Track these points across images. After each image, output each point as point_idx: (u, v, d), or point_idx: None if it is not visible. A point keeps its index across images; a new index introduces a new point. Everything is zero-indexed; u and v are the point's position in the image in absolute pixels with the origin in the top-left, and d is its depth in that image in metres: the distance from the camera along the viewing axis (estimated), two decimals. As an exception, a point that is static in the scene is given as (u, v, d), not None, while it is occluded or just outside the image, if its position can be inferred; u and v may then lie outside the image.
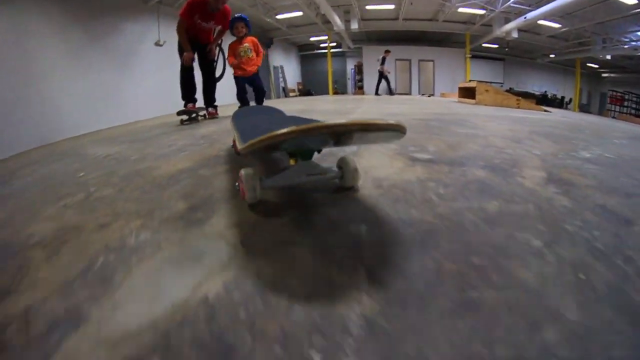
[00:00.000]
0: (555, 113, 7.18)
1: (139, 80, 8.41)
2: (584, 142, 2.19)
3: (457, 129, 2.63)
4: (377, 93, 14.28)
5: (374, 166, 1.62)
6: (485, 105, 7.34)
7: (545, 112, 7.24)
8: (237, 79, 4.81)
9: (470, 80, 13.22)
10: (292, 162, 1.33)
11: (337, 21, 13.36)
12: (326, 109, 5.81)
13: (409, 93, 18.32)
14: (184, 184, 1.61)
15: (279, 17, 14.28)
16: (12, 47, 5.55)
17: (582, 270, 0.86)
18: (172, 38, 8.48)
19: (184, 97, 4.90)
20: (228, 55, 4.83)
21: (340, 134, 0.91)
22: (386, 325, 0.69)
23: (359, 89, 19.43)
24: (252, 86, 4.90)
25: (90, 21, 7.20)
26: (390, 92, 14.34)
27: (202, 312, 0.77)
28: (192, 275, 0.90)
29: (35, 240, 1.22)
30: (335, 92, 19.68)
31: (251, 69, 4.73)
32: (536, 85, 21.68)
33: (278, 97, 17.35)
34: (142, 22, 8.77)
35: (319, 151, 1.44)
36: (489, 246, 0.95)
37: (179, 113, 4.67)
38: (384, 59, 13.84)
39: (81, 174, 2.08)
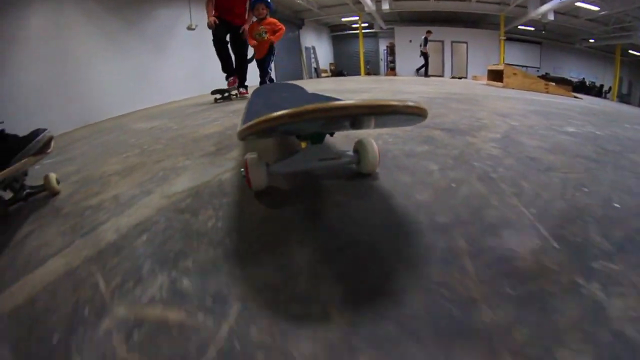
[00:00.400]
0: (586, 100, 7.11)
1: (172, 63, 8.88)
2: (581, 122, 2.27)
3: (456, 105, 2.82)
4: (427, 74, 14.06)
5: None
6: (513, 88, 7.36)
7: (575, 99, 7.20)
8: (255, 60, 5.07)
9: (502, 64, 12.93)
10: (302, 145, 1.28)
11: (368, 2, 13.34)
12: (350, 88, 6.04)
13: (442, 75, 18.13)
14: (214, 140, 2.20)
15: None
16: (53, 37, 6.16)
17: (457, 183, 1.15)
18: (203, 22, 8.96)
19: (223, 70, 5.20)
20: (248, 37, 4.97)
21: (342, 118, 0.80)
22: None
23: (391, 69, 19.34)
24: (259, 68, 5.09)
25: (125, 9, 7.69)
26: (426, 74, 14.24)
27: (216, 184, 1.40)
28: (214, 172, 1.54)
29: (110, 173, 1.81)
30: (368, 73, 19.65)
31: (260, 53, 4.93)
32: (574, 71, 20.63)
33: (310, 77, 17.54)
34: (175, 7, 9.18)
35: (332, 134, 1.42)
36: (398, 166, 1.30)
37: (213, 92, 4.99)
38: (426, 40, 13.72)
39: (133, 140, 2.49)
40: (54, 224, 1.28)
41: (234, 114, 3.08)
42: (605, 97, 18.71)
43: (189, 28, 9.32)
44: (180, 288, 0.79)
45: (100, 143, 2.86)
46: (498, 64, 9.29)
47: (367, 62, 19.48)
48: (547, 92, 7.34)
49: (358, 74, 18.18)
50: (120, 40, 7.60)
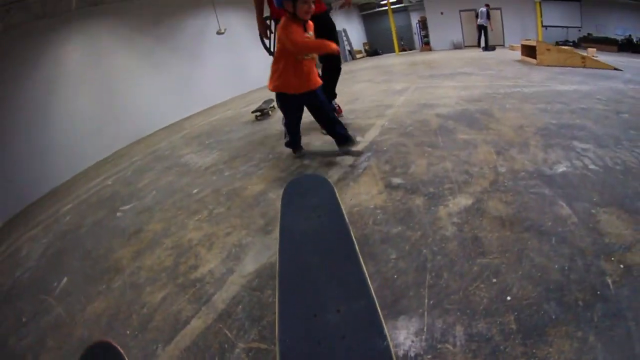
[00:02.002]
0: (627, 73, 6.85)
1: (207, 69, 9.35)
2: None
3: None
4: (487, 47, 14.05)
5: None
6: (547, 65, 7.21)
7: (614, 71, 6.95)
8: (284, 96, 2.67)
9: (534, 40, 12.51)
10: None
11: None
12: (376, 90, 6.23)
13: (478, 45, 17.59)
14: (262, 207, 2.28)
15: None
16: (94, 66, 6.88)
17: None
18: (230, 26, 9.29)
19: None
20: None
21: None
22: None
23: (426, 44, 18.88)
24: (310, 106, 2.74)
25: (155, 27, 8.24)
26: (487, 46, 14.09)
27: (269, 266, 1.62)
28: (267, 254, 1.78)
29: (195, 242, 2.10)
30: (403, 49, 19.34)
31: (314, 81, 2.64)
32: (620, 27, 19.00)
33: (345, 60, 17.55)
34: (202, 16, 9.54)
35: None
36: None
37: (254, 111, 5.30)
38: (487, 13, 13.42)
39: (195, 190, 2.87)
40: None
41: (273, 155, 3.35)
42: None
43: (219, 33, 9.70)
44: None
45: (166, 186, 3.25)
46: (531, 40, 9.03)
47: (400, 38, 19.08)
48: (585, 66, 7.13)
49: (393, 51, 17.90)
50: (156, 57, 8.21)
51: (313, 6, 2.41)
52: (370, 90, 5.59)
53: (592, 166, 1.96)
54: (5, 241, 3.90)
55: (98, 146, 6.58)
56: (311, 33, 2.55)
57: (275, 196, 2.29)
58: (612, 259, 1.28)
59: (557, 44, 18.68)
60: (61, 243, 2.87)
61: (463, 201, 1.75)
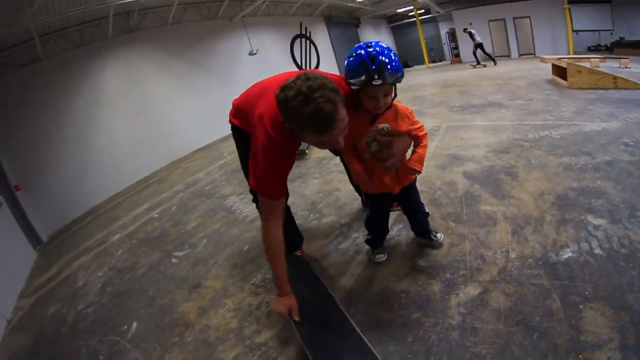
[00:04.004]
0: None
1: (241, 90, 9.62)
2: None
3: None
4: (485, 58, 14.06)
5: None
6: (579, 88, 7.17)
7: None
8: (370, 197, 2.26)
9: (565, 57, 12.29)
10: None
11: None
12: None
13: (509, 55, 17.47)
14: None
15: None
16: (130, 92, 7.51)
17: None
18: (262, 46, 10.49)
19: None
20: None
21: None
22: None
23: (456, 56, 18.97)
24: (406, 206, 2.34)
25: (188, 50, 8.79)
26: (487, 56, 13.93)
27: None
28: None
29: None
30: (433, 61, 19.47)
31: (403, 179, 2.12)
32: None
33: None
34: (233, 38, 10.16)
35: None
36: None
37: None
38: (471, 34, 13.69)
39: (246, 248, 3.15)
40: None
41: (314, 216, 3.47)
42: None
43: (251, 54, 10.17)
44: None
45: (215, 235, 3.50)
46: (562, 59, 8.98)
47: (430, 50, 19.18)
48: (617, 87, 7.13)
49: (422, 62, 18.13)
50: (191, 80, 8.73)
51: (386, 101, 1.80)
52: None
53: (597, 250, 2.10)
54: (56, 262, 4.25)
55: (137, 166, 7.20)
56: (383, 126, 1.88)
57: (326, 264, 2.53)
58: (580, 356, 1.48)
59: (589, 49, 18.27)
60: (120, 283, 3.17)
61: (472, 291, 1.96)
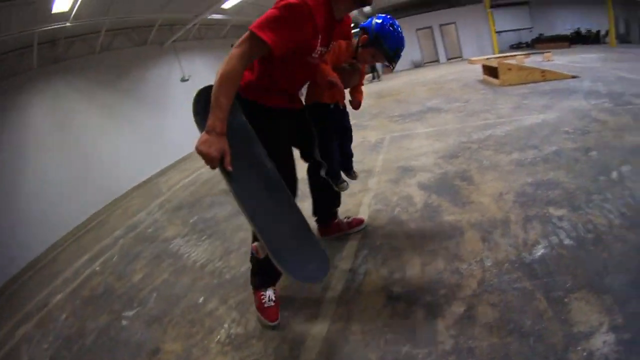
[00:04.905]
0: (586, 79, 7.34)
1: (175, 118, 9.37)
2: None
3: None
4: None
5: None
6: (510, 84, 7.66)
7: (573, 79, 7.49)
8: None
9: (493, 57, 13.20)
10: None
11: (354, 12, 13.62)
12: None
13: (437, 60, 18.58)
14: None
15: None
16: (60, 124, 6.97)
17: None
18: (195, 72, 10.10)
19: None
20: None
21: None
22: None
23: (386, 67, 19.78)
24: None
25: (117, 80, 8.36)
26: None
27: None
28: None
29: None
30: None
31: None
32: (568, 23, 20.42)
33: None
34: (165, 64, 9.86)
35: None
36: None
37: None
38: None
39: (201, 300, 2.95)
40: None
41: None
42: (604, 42, 18.98)
43: (183, 80, 9.96)
44: None
45: (165, 287, 3.16)
46: (491, 59, 9.57)
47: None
48: (545, 79, 7.65)
49: None
50: (122, 111, 8.34)
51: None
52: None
53: (566, 241, 2.18)
54: (-6, 330, 3.73)
55: (73, 211, 6.58)
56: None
57: (290, 313, 2.42)
58: (579, 348, 1.50)
59: (512, 47, 20.17)
60: (70, 355, 2.79)
61: (457, 309, 1.91)
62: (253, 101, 1.99)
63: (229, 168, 1.64)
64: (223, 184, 5.20)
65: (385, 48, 2.23)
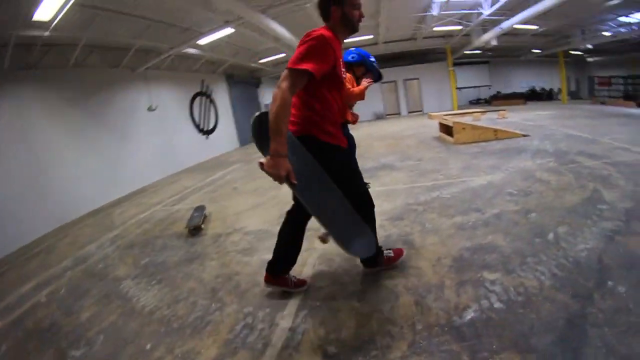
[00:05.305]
0: (535, 141, 7.80)
1: (137, 147, 9.31)
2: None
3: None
4: None
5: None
6: (464, 143, 8.05)
7: (524, 137, 7.98)
8: None
9: (451, 113, 13.92)
10: None
11: None
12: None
13: (399, 113, 19.48)
14: None
15: (262, 61, 15.37)
16: (20, 138, 6.54)
17: None
18: (162, 102, 10.00)
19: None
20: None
21: None
22: None
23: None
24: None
25: (85, 100, 8.13)
26: None
27: None
28: None
29: None
30: None
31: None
32: (524, 81, 22.82)
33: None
34: (133, 90, 9.74)
35: None
36: None
37: (187, 227, 5.02)
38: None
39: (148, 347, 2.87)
40: None
41: (216, 305, 3.44)
42: (556, 99, 21.06)
43: (150, 109, 9.88)
44: None
45: (113, 329, 2.99)
46: (448, 115, 10.07)
47: None
48: (497, 138, 8.08)
49: None
50: (85, 133, 7.98)
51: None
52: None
53: (497, 304, 2.29)
54: None
55: (20, 230, 6.12)
56: None
57: None
58: None
59: (471, 103, 21.76)
60: None
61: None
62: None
63: (294, 182, 2.05)
64: (176, 226, 5.20)
65: (374, 67, 3.77)
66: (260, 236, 4.19)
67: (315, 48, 2.13)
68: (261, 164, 2.02)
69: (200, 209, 5.50)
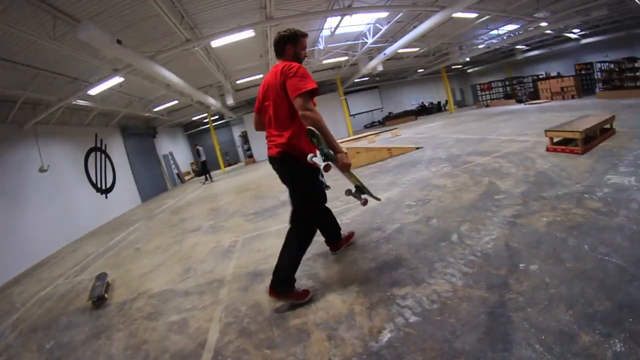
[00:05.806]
0: (428, 150, 8.22)
1: (30, 214, 8.07)
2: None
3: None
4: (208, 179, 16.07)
5: None
6: (361, 166, 8.23)
7: (417, 150, 8.37)
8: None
9: (347, 139, 14.46)
10: None
11: (212, 101, 14.22)
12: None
13: (205, 180, 20.16)
14: None
15: (156, 109, 15.09)
16: None
17: None
18: (54, 162, 9.04)
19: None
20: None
21: None
22: None
23: (249, 157, 20.71)
24: None
25: None
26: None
27: None
28: None
29: None
30: (229, 164, 21.61)
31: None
32: (413, 99, 25.28)
33: (175, 184, 18.15)
34: (22, 149, 8.65)
35: None
36: None
37: (90, 299, 4.63)
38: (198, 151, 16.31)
39: None
40: None
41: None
42: (445, 110, 23.97)
43: (41, 170, 8.73)
44: None
45: None
46: (345, 142, 10.33)
47: (225, 154, 20.93)
48: (392, 156, 8.38)
49: (219, 167, 19.35)
50: None
51: None
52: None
53: (412, 318, 2.22)
54: None
55: None
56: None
57: None
58: None
59: (366, 127, 23.52)
60: None
61: None
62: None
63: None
64: (80, 300, 4.54)
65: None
66: (165, 297, 3.82)
67: (306, 71, 2.61)
68: (326, 167, 2.51)
69: (102, 277, 4.98)
